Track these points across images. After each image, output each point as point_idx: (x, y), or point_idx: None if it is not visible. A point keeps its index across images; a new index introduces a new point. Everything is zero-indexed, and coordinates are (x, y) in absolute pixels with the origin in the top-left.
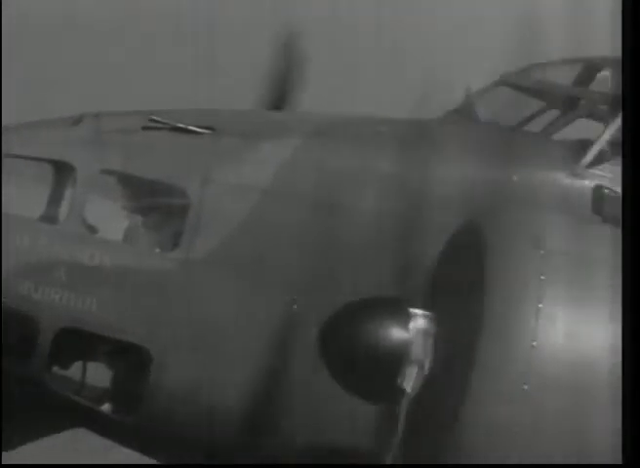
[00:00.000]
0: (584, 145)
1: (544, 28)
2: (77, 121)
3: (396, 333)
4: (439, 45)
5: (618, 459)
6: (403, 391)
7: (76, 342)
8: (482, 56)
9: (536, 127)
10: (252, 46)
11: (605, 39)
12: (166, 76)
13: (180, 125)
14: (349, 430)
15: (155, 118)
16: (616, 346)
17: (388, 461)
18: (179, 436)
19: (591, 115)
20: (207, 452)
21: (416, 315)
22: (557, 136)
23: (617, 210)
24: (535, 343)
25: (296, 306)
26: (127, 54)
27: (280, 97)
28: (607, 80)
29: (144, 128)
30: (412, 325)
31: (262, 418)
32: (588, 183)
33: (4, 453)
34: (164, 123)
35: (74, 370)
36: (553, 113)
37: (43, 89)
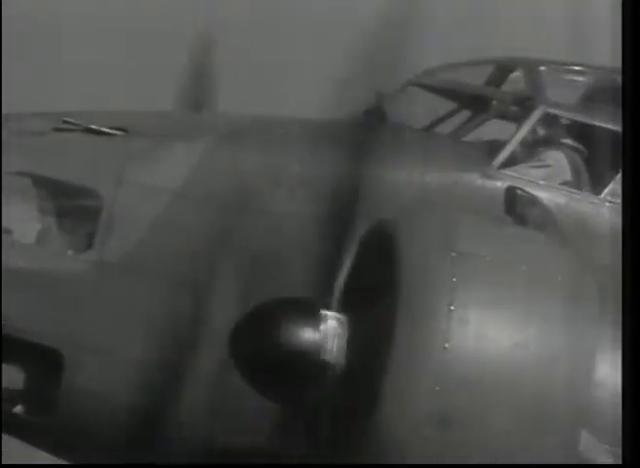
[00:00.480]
0: (496, 146)
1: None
2: None
3: (307, 335)
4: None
5: (525, 459)
6: (314, 392)
7: None
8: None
9: (448, 128)
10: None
11: (605, 39)
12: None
13: (93, 126)
14: (262, 430)
15: (67, 119)
16: (528, 346)
17: (300, 461)
18: (92, 436)
19: (503, 116)
20: (119, 452)
21: (327, 317)
22: (470, 137)
23: (528, 211)
24: (447, 345)
25: (208, 307)
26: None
27: (196, 98)
28: (519, 81)
29: (56, 129)
30: (323, 326)
31: (174, 418)
32: (501, 185)
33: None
34: (76, 124)
35: None
36: (465, 114)
37: (42, 89)
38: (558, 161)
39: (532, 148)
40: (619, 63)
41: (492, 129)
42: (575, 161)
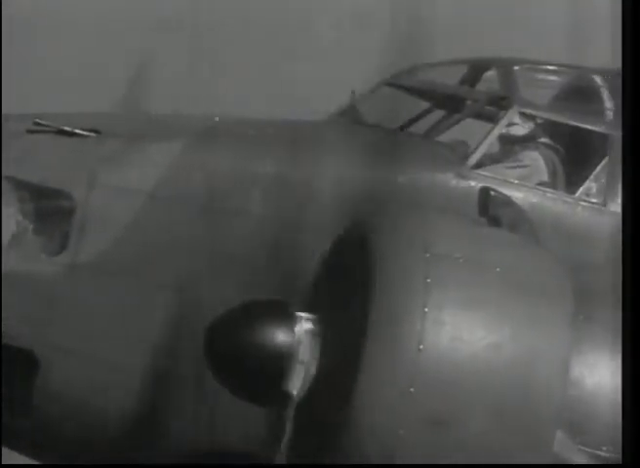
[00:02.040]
0: (470, 146)
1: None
2: None
3: (281, 336)
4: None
5: (500, 459)
6: (289, 394)
7: None
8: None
9: (422, 128)
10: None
11: (605, 39)
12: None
13: (66, 128)
14: (238, 431)
15: (40, 121)
16: (502, 347)
17: (278, 462)
18: (67, 438)
19: (478, 115)
20: (98, 454)
21: (301, 318)
22: (444, 137)
23: (502, 211)
24: (421, 347)
25: (181, 308)
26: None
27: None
28: (493, 80)
29: (29, 131)
30: (297, 328)
31: (151, 419)
32: (474, 185)
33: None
34: (49, 126)
35: None
36: (439, 114)
37: (42, 88)
38: (535, 161)
39: (508, 148)
40: (619, 64)
41: (467, 129)
42: (551, 161)
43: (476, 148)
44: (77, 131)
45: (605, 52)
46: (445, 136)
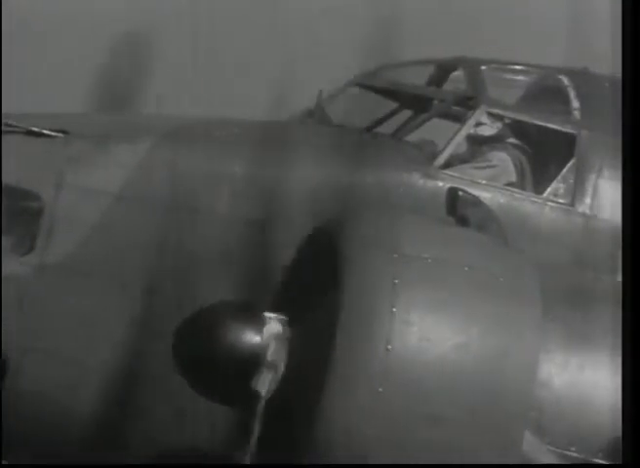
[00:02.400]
0: (438, 146)
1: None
2: None
3: (250, 337)
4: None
5: (468, 459)
6: (258, 394)
7: None
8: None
9: (389, 128)
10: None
11: (605, 39)
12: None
13: (34, 129)
14: (207, 432)
15: (8, 122)
16: (470, 347)
17: (246, 462)
18: (37, 438)
19: (445, 115)
20: (66, 453)
21: (270, 319)
22: (411, 137)
23: (470, 211)
24: (389, 347)
25: (149, 308)
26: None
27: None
28: (460, 80)
29: None
30: (266, 329)
31: (119, 419)
32: (442, 185)
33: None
34: (17, 127)
35: None
36: (407, 114)
37: (42, 88)
38: (504, 162)
39: (476, 148)
40: (619, 64)
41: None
42: (519, 161)
43: (444, 148)
44: (45, 131)
45: (605, 52)
46: (413, 136)
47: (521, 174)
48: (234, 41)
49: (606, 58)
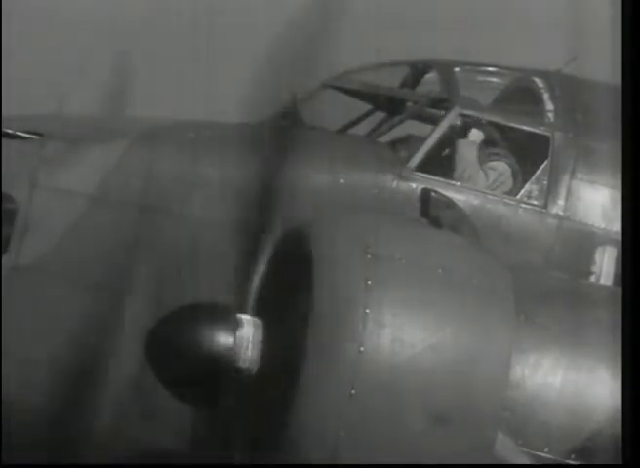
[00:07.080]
0: (411, 148)
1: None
2: None
3: (223, 339)
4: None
5: (440, 459)
6: (229, 396)
7: None
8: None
9: (363, 129)
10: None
11: (605, 39)
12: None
13: (8, 130)
14: (175, 432)
15: None
16: (443, 348)
17: (215, 463)
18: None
19: (419, 117)
20: (29, 453)
21: (243, 320)
22: (385, 139)
23: (444, 213)
24: (362, 349)
25: (123, 310)
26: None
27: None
28: (434, 82)
29: None
30: (239, 330)
31: (87, 419)
32: (415, 186)
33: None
34: None
35: None
36: (381, 115)
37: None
38: (507, 172)
39: (447, 150)
40: (618, 64)
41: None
42: (513, 168)
43: (418, 150)
44: (19, 133)
45: (605, 52)
46: (387, 138)
47: (515, 180)
48: (211, 44)
49: (606, 58)
